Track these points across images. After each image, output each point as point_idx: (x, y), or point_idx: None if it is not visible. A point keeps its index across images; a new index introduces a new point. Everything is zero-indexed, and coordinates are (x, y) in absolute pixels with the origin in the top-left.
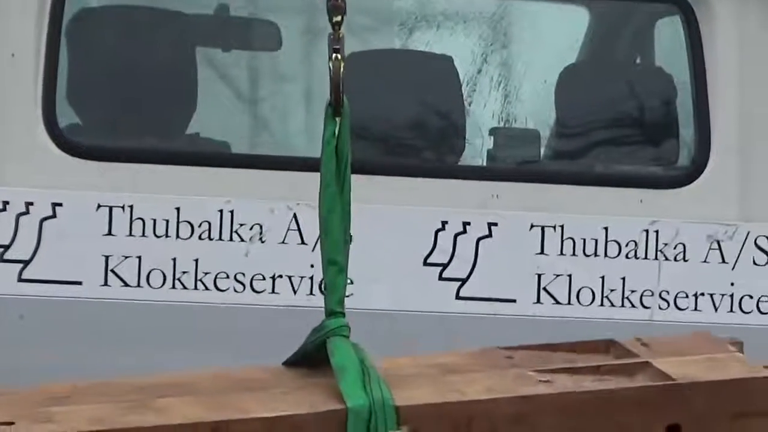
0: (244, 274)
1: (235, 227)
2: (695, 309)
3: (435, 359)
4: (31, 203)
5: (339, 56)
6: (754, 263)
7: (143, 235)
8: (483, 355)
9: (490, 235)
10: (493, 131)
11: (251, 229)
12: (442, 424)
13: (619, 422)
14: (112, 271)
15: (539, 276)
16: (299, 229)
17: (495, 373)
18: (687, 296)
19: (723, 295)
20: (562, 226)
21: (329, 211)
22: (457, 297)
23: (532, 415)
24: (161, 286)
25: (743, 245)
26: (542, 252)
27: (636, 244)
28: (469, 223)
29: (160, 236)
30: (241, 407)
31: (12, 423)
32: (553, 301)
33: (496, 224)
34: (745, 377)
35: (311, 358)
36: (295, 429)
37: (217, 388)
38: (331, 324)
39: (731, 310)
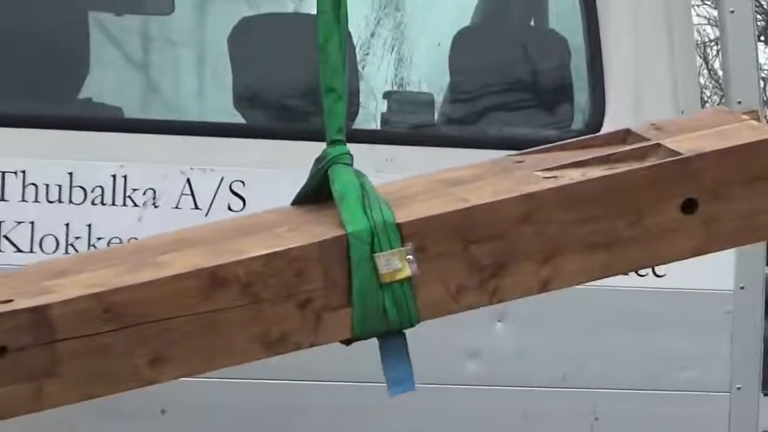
0: (137, 239)
1: (128, 192)
2: None
3: (442, 175)
4: None
5: None
6: None
7: (36, 200)
8: (493, 164)
9: None
10: (386, 95)
11: (144, 194)
12: (447, 234)
13: (630, 206)
14: (5, 236)
15: None
16: (192, 194)
17: (501, 177)
18: None
19: None
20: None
21: (326, 39)
22: None
23: (538, 212)
24: (54, 251)
25: None
26: None
27: None
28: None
29: (53, 201)
30: (240, 250)
31: (11, 300)
32: None
33: None
34: (754, 141)
35: (318, 192)
36: (294, 262)
37: (221, 237)
38: (331, 152)
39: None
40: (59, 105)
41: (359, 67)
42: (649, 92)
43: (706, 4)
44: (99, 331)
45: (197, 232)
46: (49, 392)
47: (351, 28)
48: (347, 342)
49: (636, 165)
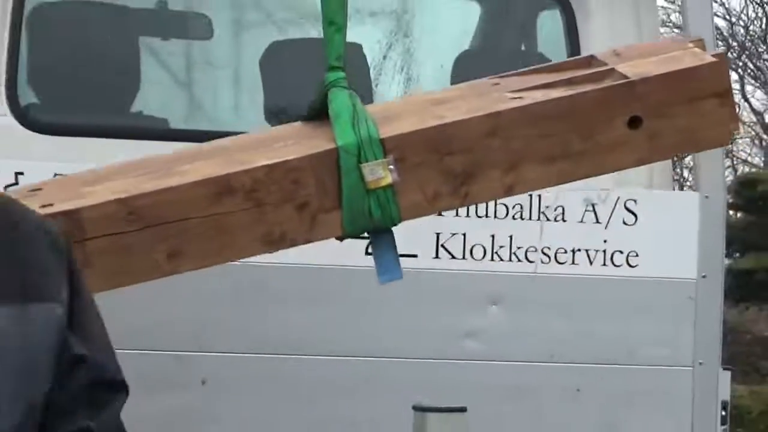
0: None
1: None
2: (573, 263)
3: (430, 95)
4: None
5: None
6: (623, 223)
7: None
8: (473, 86)
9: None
10: None
11: None
12: (424, 147)
13: (583, 123)
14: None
15: (438, 234)
16: None
17: (476, 98)
18: (566, 252)
19: (597, 251)
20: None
21: None
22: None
23: (503, 128)
24: None
25: (614, 207)
26: (441, 214)
27: (521, 207)
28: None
29: None
30: (247, 161)
31: (50, 204)
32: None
33: None
34: (693, 66)
35: (321, 111)
36: (292, 171)
37: (234, 149)
38: (330, 77)
39: (604, 264)
40: (114, 117)
41: (373, 85)
42: None
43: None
44: (124, 230)
45: (216, 145)
46: None
47: (367, 51)
48: (340, 238)
49: (591, 87)
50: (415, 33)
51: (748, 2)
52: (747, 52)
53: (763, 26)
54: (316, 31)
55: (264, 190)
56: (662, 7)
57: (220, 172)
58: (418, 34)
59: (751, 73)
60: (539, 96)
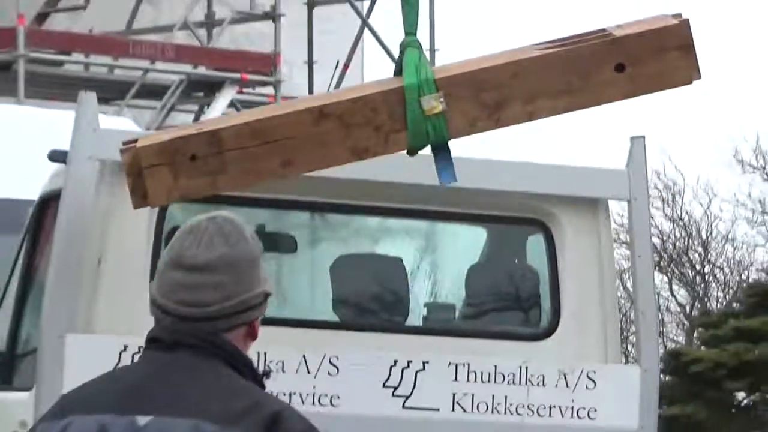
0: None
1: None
2: (549, 416)
3: (478, 57)
4: None
5: None
6: (586, 388)
7: None
8: (517, 49)
9: (423, 369)
10: (426, 304)
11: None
12: (465, 85)
13: (581, 68)
14: None
15: (453, 394)
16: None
17: (510, 54)
18: (545, 407)
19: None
20: (468, 363)
21: None
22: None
23: (523, 72)
24: None
25: (580, 376)
26: (456, 380)
27: (513, 375)
28: (411, 361)
29: None
30: (340, 96)
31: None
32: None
33: (428, 361)
34: (661, 26)
35: (401, 63)
36: (369, 103)
37: (345, 91)
38: (405, 40)
39: (572, 417)
40: None
41: (410, 286)
42: (586, 307)
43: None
44: (250, 144)
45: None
46: (220, 183)
47: (406, 263)
48: (410, 153)
49: (589, 43)
50: (438, 250)
51: (675, 226)
52: (674, 262)
53: (685, 243)
54: (368, 248)
55: (350, 115)
56: (614, 228)
57: (318, 102)
58: (441, 251)
59: (677, 277)
60: (552, 49)
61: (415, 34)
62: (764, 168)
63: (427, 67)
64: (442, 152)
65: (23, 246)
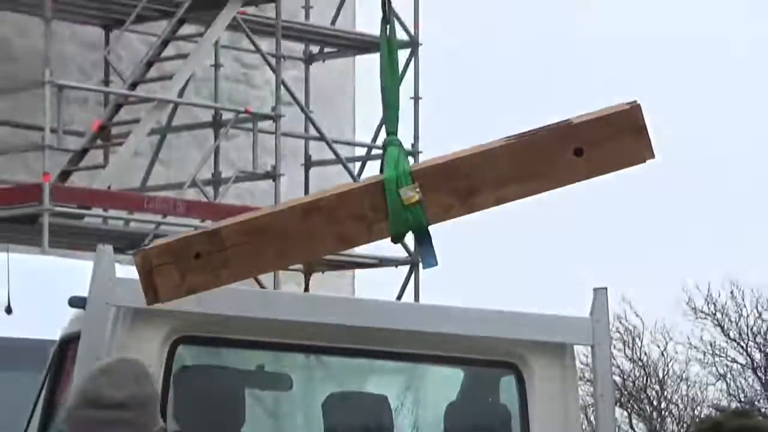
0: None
1: None
2: None
3: (451, 154)
4: None
5: None
6: None
7: None
8: (486, 143)
9: None
10: None
11: None
12: (438, 176)
13: (546, 154)
14: None
15: None
16: None
17: (484, 145)
18: None
19: None
20: None
21: (386, 83)
22: None
23: (490, 161)
24: None
25: None
26: None
27: None
28: None
29: None
30: (326, 192)
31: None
32: None
33: None
34: (614, 111)
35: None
36: (353, 197)
37: (332, 188)
38: (387, 138)
39: None
40: None
41: (393, 422)
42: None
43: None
44: (247, 241)
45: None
46: (224, 278)
47: (391, 401)
48: (393, 240)
49: (548, 131)
50: (421, 389)
51: (634, 366)
52: (633, 398)
53: (643, 381)
54: (356, 387)
55: (335, 209)
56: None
57: (304, 199)
58: (423, 390)
59: (636, 412)
60: (517, 139)
61: (396, 134)
62: (714, 315)
63: (405, 162)
64: (423, 239)
65: (45, 383)
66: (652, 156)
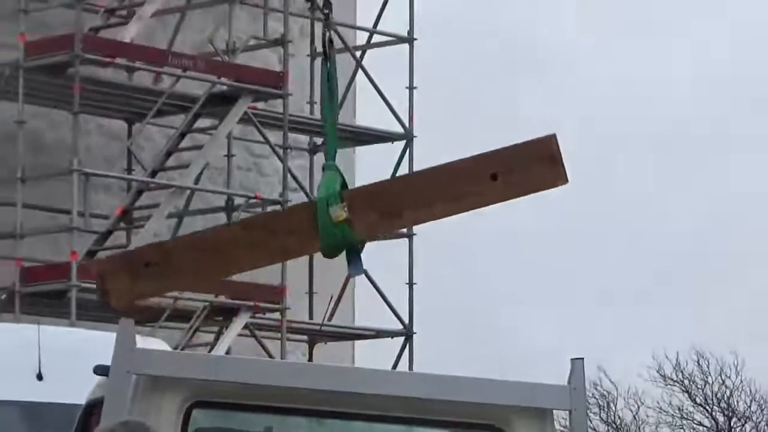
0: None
1: None
2: None
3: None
4: None
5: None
6: None
7: None
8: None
9: None
10: None
11: None
12: (365, 198)
13: (465, 180)
14: None
15: None
16: None
17: (412, 173)
18: None
19: None
20: None
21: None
22: None
23: (412, 186)
24: None
25: None
26: None
27: None
28: None
29: None
30: (267, 213)
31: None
32: None
33: None
34: (530, 140)
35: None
36: (289, 215)
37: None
38: (325, 165)
39: None
40: None
41: None
42: None
43: None
44: (192, 253)
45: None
46: (171, 286)
47: None
48: (325, 255)
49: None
50: None
51: (609, 429)
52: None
53: None
54: None
55: (272, 225)
56: (560, 429)
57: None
58: None
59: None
60: (438, 167)
61: (334, 160)
62: (682, 382)
63: (337, 185)
64: (351, 252)
65: None
66: (565, 181)
